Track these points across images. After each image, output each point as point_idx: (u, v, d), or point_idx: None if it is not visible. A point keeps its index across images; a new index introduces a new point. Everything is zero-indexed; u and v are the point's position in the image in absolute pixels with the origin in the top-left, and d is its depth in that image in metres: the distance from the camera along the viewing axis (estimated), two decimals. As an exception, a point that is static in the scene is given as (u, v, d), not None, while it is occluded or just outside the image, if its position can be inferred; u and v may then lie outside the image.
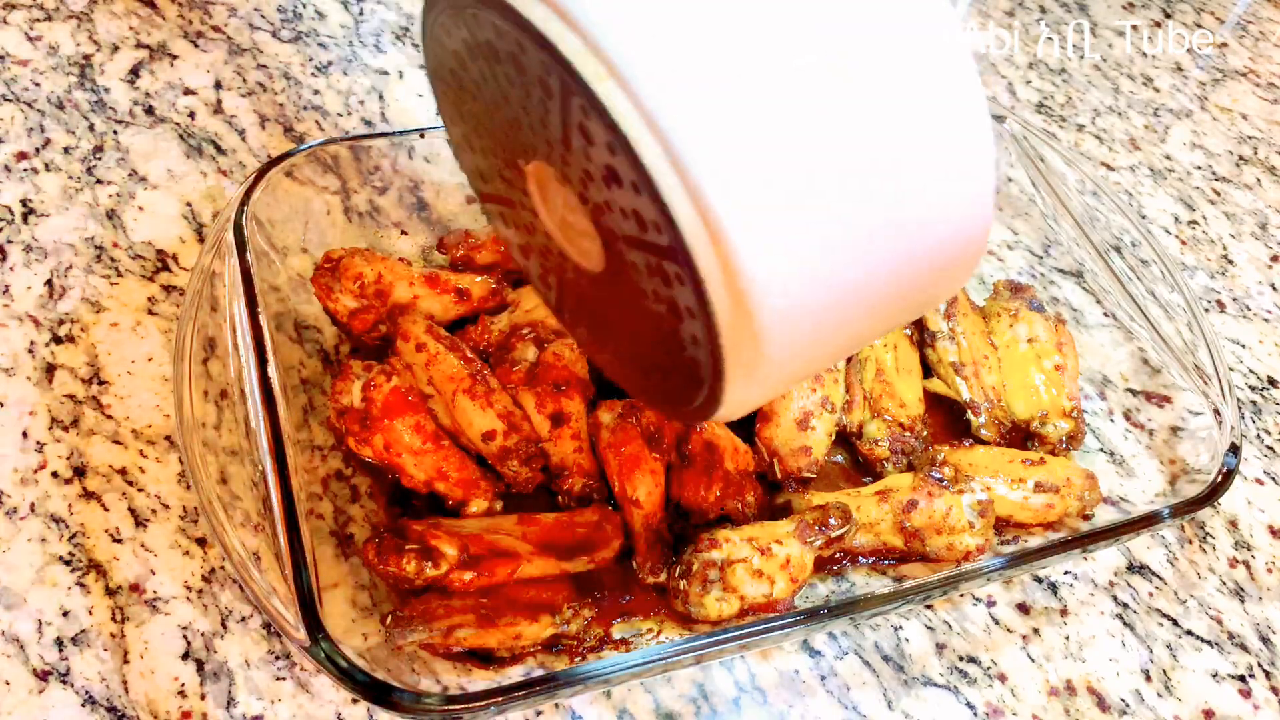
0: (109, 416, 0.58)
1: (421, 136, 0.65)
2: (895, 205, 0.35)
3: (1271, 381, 0.75)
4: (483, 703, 0.43)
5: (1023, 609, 0.60)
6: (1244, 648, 0.60)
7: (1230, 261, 0.83)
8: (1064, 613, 0.60)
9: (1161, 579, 0.62)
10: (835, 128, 0.33)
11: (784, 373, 0.38)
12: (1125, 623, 0.60)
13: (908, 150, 0.34)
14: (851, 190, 0.33)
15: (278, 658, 0.51)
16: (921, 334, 0.67)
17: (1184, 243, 0.84)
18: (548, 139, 0.38)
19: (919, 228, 0.36)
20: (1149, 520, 0.55)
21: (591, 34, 0.32)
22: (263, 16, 0.83)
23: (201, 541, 0.54)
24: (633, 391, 0.49)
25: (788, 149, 0.32)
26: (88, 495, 0.55)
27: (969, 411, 0.64)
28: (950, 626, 0.58)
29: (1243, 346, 0.77)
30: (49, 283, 0.63)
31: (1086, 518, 0.61)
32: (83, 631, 0.51)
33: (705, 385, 0.38)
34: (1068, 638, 0.59)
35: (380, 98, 0.79)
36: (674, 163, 0.32)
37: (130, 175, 0.70)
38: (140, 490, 0.56)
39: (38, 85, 0.74)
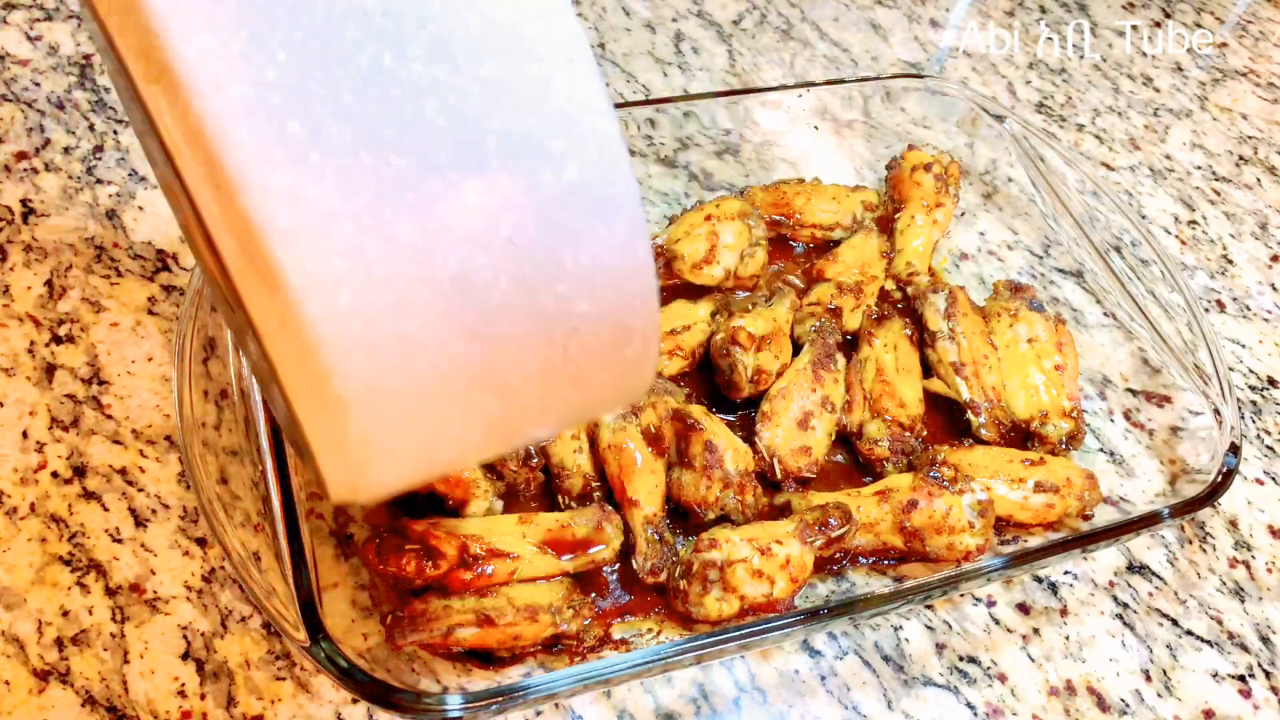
0: (109, 416, 0.58)
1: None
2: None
3: (1271, 381, 0.75)
4: (483, 703, 0.43)
5: (1023, 609, 0.60)
6: (1244, 648, 0.60)
7: (1230, 261, 0.83)
8: (1064, 613, 0.60)
9: (1161, 579, 0.62)
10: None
11: (384, 457, 0.30)
12: (1125, 623, 0.60)
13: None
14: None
15: (278, 658, 0.51)
16: (921, 334, 0.67)
17: (1184, 243, 0.84)
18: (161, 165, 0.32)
19: (540, 279, 0.29)
20: (1149, 520, 0.55)
21: (145, 32, 0.26)
22: (263, 16, 0.83)
23: (201, 541, 0.54)
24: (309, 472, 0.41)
25: (343, 155, 0.26)
26: (88, 495, 0.55)
27: (969, 411, 0.64)
28: (950, 626, 0.58)
29: (1243, 346, 0.77)
30: (49, 283, 0.63)
31: (1086, 518, 0.61)
32: (83, 631, 0.51)
33: (309, 462, 0.31)
34: (1068, 638, 0.59)
35: (380, 98, 0.79)
36: (217, 185, 0.26)
37: (130, 175, 0.70)
38: (140, 490, 0.56)
39: (38, 85, 0.74)
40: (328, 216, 0.26)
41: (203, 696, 0.50)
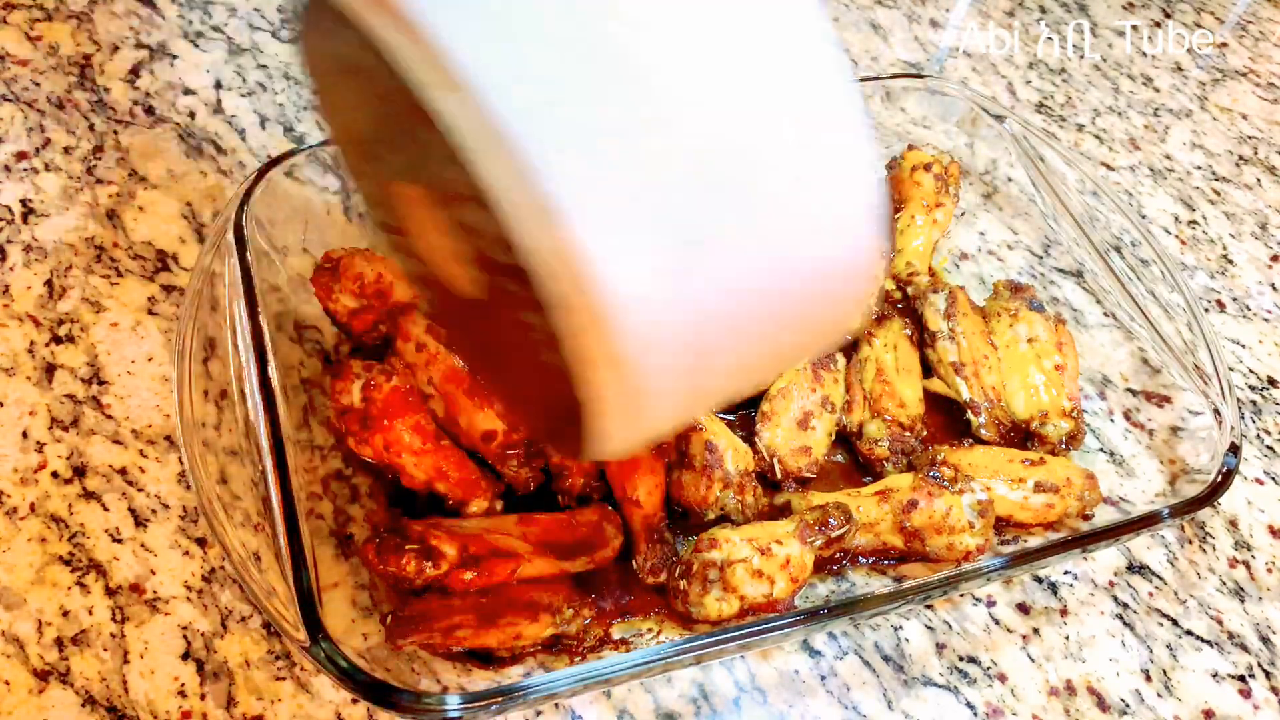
0: (109, 416, 0.58)
1: (421, 136, 0.65)
2: (760, 216, 0.32)
3: (1271, 381, 0.75)
4: (483, 703, 0.43)
5: (1023, 609, 0.60)
6: (1244, 648, 0.60)
7: (1230, 261, 0.83)
8: (1064, 613, 0.60)
9: (1161, 579, 0.62)
10: (692, 134, 0.31)
11: (661, 406, 0.35)
12: (1125, 623, 0.60)
13: (771, 155, 0.32)
14: (713, 201, 0.31)
15: (278, 658, 0.51)
16: (921, 334, 0.67)
17: (1184, 243, 0.84)
18: (409, 158, 0.37)
19: (788, 242, 0.33)
20: (1149, 520, 0.55)
21: (432, 42, 0.29)
22: (263, 16, 0.83)
23: (201, 541, 0.54)
24: (529, 428, 0.47)
25: (639, 157, 0.30)
26: (88, 495, 0.55)
27: (969, 411, 0.64)
28: (950, 626, 0.58)
29: (1243, 346, 0.77)
30: (49, 283, 0.63)
31: (1086, 518, 0.61)
32: (83, 631, 0.51)
33: (581, 420, 0.35)
34: (1068, 638, 0.59)
35: (380, 98, 0.79)
36: (512, 175, 0.29)
37: (130, 175, 0.70)
38: (140, 490, 0.56)
39: (38, 85, 0.74)
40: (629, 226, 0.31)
41: (203, 696, 0.50)
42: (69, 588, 0.52)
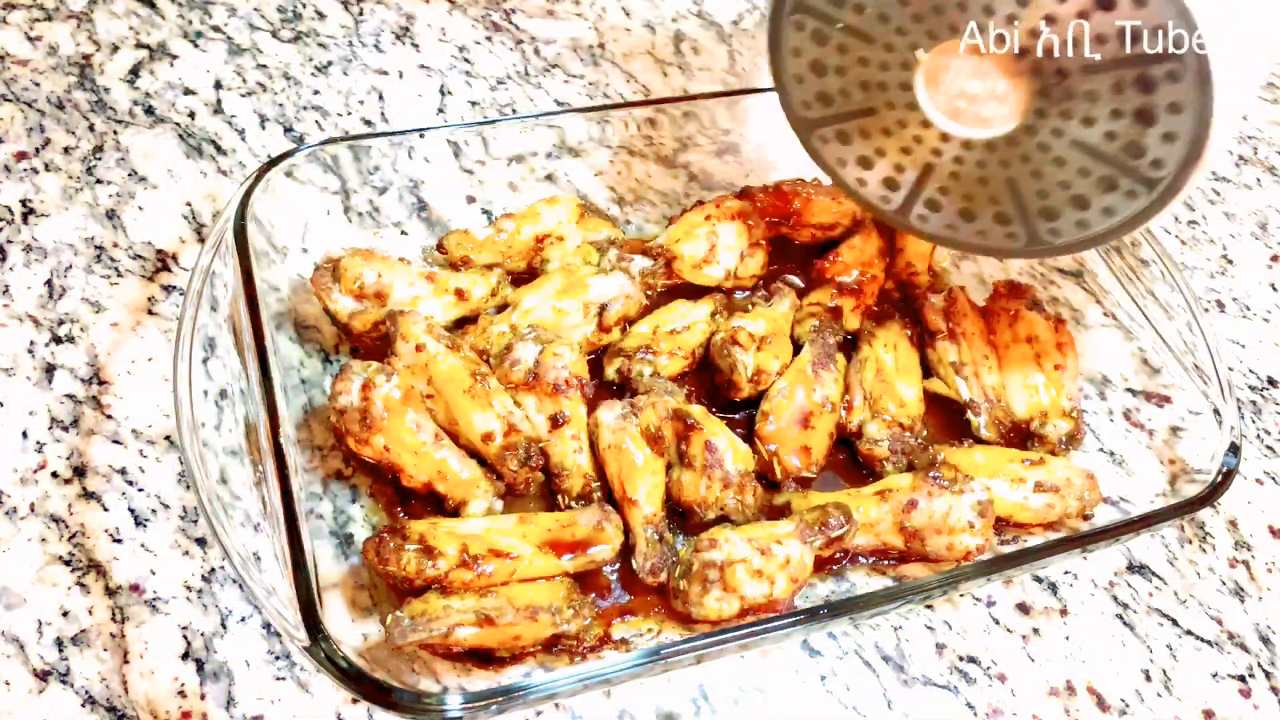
0: (109, 416, 0.58)
1: (421, 136, 0.65)
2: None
3: (1271, 381, 0.75)
4: (483, 703, 0.43)
5: (1023, 609, 0.60)
6: (1244, 648, 0.60)
7: (1230, 261, 0.83)
8: (1064, 613, 0.60)
9: (1161, 579, 0.62)
10: None
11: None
12: (1125, 623, 0.60)
13: None
14: None
15: (278, 658, 0.51)
16: (921, 334, 0.67)
17: (1184, 243, 0.84)
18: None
19: None
20: (1149, 520, 0.55)
21: None
22: (263, 16, 0.83)
23: (201, 541, 0.54)
24: (1001, 243, 0.57)
25: None
26: (88, 495, 0.55)
27: (969, 411, 0.64)
28: (950, 626, 0.58)
29: (1243, 346, 0.77)
30: (49, 283, 0.63)
31: (1086, 518, 0.61)
32: (83, 631, 0.51)
33: (1141, 199, 0.49)
34: (1068, 638, 0.59)
35: (380, 98, 0.79)
36: None
37: (130, 175, 0.70)
38: (140, 490, 0.56)
39: (38, 85, 0.74)
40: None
41: (203, 696, 0.50)
42: (69, 588, 0.52)
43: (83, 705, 0.49)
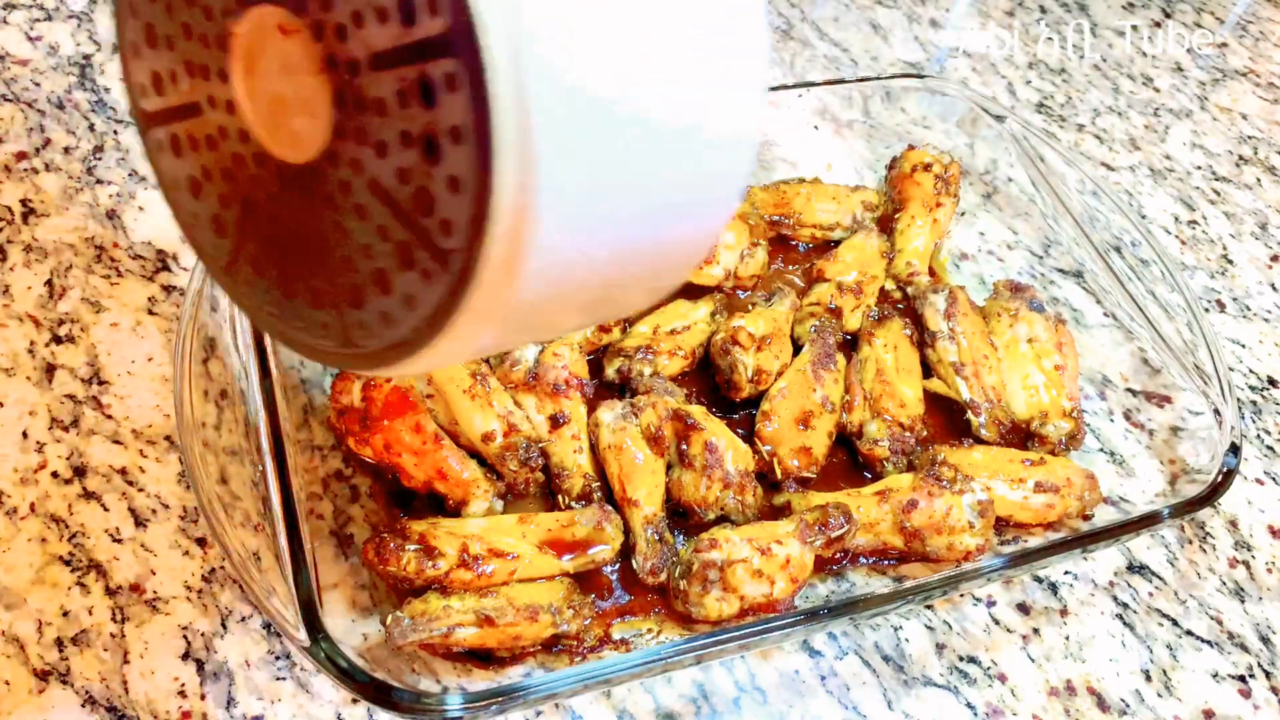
0: (109, 416, 0.58)
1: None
2: (659, 162, 0.31)
3: (1271, 381, 0.75)
4: (483, 703, 0.43)
5: (1023, 609, 0.60)
6: (1244, 648, 0.60)
7: (1230, 261, 0.83)
8: (1064, 613, 0.60)
9: (1161, 579, 0.62)
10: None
11: (511, 324, 0.32)
12: (1125, 623, 0.60)
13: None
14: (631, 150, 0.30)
15: (278, 658, 0.51)
16: (921, 334, 0.67)
17: (1184, 243, 0.84)
18: None
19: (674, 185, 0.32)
20: (1149, 520, 0.55)
21: None
22: (263, 16, 0.83)
23: (201, 541, 0.54)
24: (317, 341, 0.38)
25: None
26: (88, 495, 0.55)
27: (969, 411, 0.64)
28: (950, 626, 0.58)
29: (1243, 346, 0.77)
30: (49, 283, 0.63)
31: (1086, 518, 0.61)
32: (83, 631, 0.51)
33: (439, 285, 0.31)
34: (1068, 638, 0.59)
35: (380, 98, 0.79)
36: None
37: (130, 175, 0.70)
38: (140, 490, 0.56)
39: (38, 85, 0.74)
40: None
41: (203, 696, 0.50)
42: (69, 588, 0.52)
43: (83, 705, 0.49)
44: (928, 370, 0.66)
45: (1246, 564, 0.64)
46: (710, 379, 0.63)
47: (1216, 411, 0.61)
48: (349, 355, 0.37)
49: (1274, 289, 0.82)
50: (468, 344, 0.33)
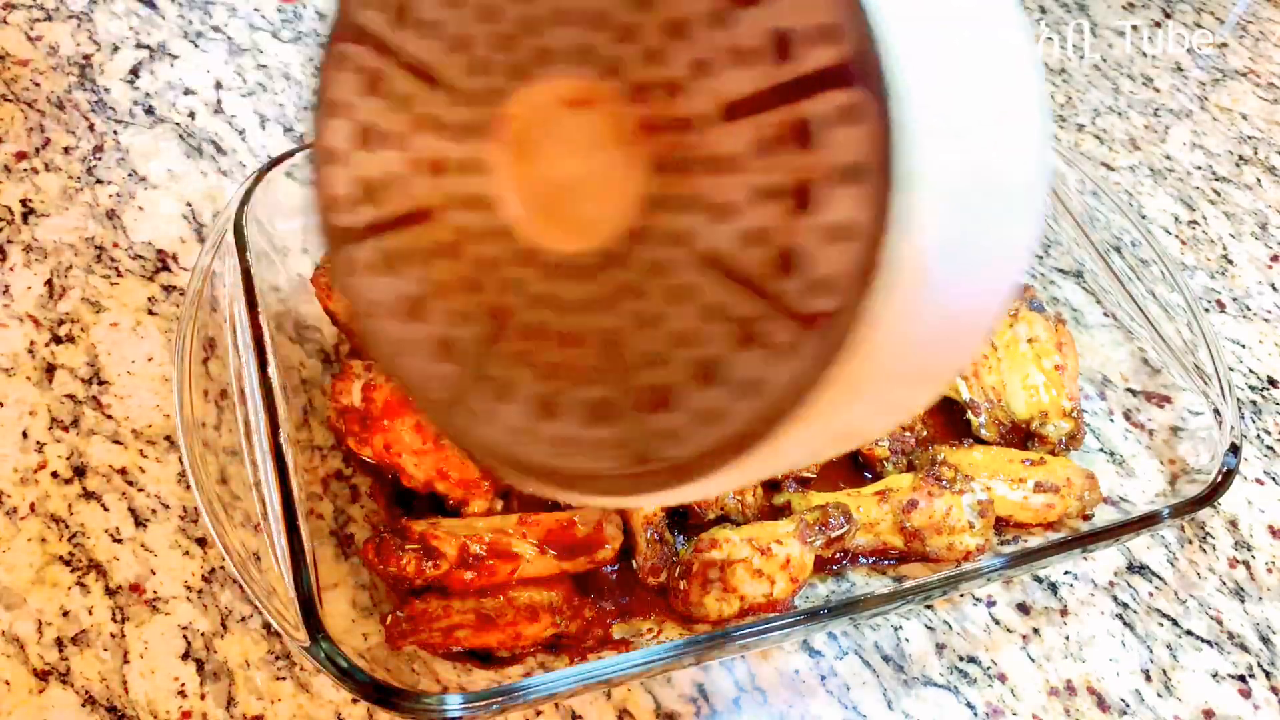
0: (109, 416, 0.58)
1: (421, 136, 0.65)
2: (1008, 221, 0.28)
3: (1271, 381, 0.75)
4: (483, 703, 0.43)
5: (1023, 609, 0.60)
6: (1244, 648, 0.60)
7: (1230, 261, 0.83)
8: (1064, 613, 0.60)
9: (1161, 579, 0.62)
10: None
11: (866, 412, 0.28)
12: (1125, 623, 0.60)
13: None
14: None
15: (278, 658, 0.51)
16: (921, 334, 0.67)
17: (1184, 243, 0.84)
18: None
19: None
20: (1149, 520, 0.55)
21: None
22: (263, 16, 0.83)
23: (201, 541, 0.54)
24: (590, 465, 0.31)
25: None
26: (88, 495, 0.55)
27: (969, 411, 0.64)
28: (950, 626, 0.58)
29: (1243, 346, 0.77)
30: (49, 283, 0.63)
31: (1086, 518, 0.60)
32: (83, 631, 0.51)
33: (796, 359, 0.26)
34: (1068, 638, 0.59)
35: (380, 98, 0.79)
36: None
37: (130, 175, 0.70)
38: (140, 490, 0.56)
39: (38, 85, 0.74)
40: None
41: (203, 696, 0.50)
42: (69, 588, 0.52)
43: (83, 705, 0.49)
44: (928, 370, 0.66)
45: (1246, 564, 0.64)
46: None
47: (1216, 411, 0.61)
48: (636, 476, 0.30)
49: (1274, 289, 0.82)
50: (823, 428, 0.28)
